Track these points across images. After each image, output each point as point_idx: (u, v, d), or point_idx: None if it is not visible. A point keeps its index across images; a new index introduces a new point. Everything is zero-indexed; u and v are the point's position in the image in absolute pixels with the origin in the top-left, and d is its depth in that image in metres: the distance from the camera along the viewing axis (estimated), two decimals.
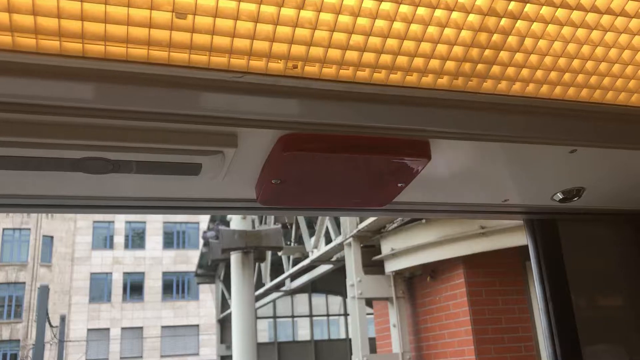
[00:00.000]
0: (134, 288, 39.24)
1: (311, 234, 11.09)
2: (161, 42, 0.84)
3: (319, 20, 0.85)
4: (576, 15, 0.91)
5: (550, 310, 1.47)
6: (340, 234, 9.55)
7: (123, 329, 37.89)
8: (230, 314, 16.80)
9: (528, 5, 0.87)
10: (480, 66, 0.96)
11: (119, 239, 39.83)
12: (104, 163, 0.99)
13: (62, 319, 30.12)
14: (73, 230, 39.24)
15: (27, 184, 1.08)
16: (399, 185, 1.16)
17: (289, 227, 12.27)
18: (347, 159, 1.05)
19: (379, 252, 8.89)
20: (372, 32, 0.88)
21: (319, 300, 19.90)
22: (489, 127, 1.06)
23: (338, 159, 1.05)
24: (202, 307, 39.00)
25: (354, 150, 1.03)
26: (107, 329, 37.64)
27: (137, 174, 1.04)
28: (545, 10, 0.89)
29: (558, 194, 1.36)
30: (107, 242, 39.79)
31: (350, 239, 8.96)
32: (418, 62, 0.94)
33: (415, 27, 0.89)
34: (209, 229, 14.09)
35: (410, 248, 8.32)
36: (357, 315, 8.65)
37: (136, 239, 40.50)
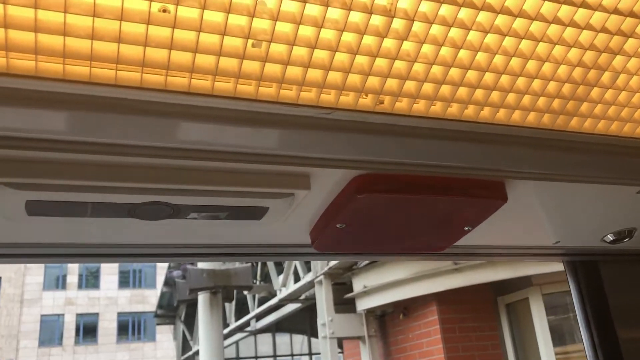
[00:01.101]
0: (87, 330, 37.63)
1: (279, 272, 10.90)
2: (250, 74, 0.75)
3: (419, 53, 0.78)
4: None
5: (598, 353, 1.41)
6: (308, 271, 9.41)
7: None
8: (191, 356, 16.22)
9: (617, 39, 0.83)
10: (571, 103, 0.91)
11: (72, 279, 38.29)
12: (163, 208, 0.88)
13: None
14: (23, 270, 37.59)
15: (79, 232, 0.96)
16: (465, 229, 1.09)
17: (254, 264, 12.02)
18: (421, 201, 0.98)
19: (351, 290, 8.77)
20: (471, 66, 0.82)
21: (283, 339, 19.46)
22: (566, 167, 1.00)
23: (412, 201, 0.97)
24: (159, 349, 37.68)
25: (431, 192, 0.96)
26: None
27: (196, 220, 0.93)
28: (629, 45, 0.85)
29: (609, 235, 1.32)
30: (59, 282, 38.21)
31: (321, 277, 8.82)
32: (510, 98, 0.88)
33: (514, 62, 0.84)
34: (172, 268, 13.68)
35: (382, 285, 8.23)
36: (328, 355, 8.46)
37: (90, 279, 39.02)
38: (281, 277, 10.58)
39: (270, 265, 11.10)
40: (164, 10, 0.68)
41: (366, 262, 8.32)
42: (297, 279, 10.13)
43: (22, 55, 0.67)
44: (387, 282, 8.13)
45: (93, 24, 0.66)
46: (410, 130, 0.88)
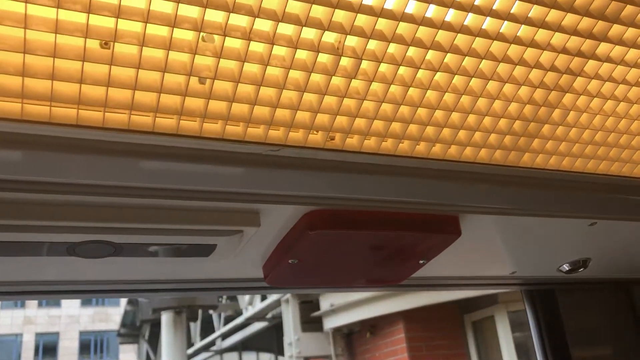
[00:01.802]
0: (47, 350, 36.46)
1: None
2: (193, 111, 0.73)
3: (369, 91, 0.77)
4: (606, 87, 0.88)
5: None
6: None
7: None
8: None
9: (566, 77, 0.84)
10: (522, 139, 0.91)
11: None
12: (104, 247, 0.84)
13: None
14: None
15: (20, 270, 0.91)
16: (420, 262, 1.08)
17: None
18: (374, 236, 0.96)
19: (318, 308, 8.72)
20: (422, 103, 0.81)
21: (249, 358, 19.20)
22: (521, 202, 1.00)
23: (364, 236, 0.96)
24: None
25: (383, 227, 0.95)
26: None
27: (141, 258, 0.90)
28: (578, 83, 0.86)
29: (564, 265, 1.33)
30: (18, 301, 37.09)
31: (288, 295, 8.75)
32: (461, 135, 0.88)
33: (464, 99, 0.83)
34: None
35: (349, 303, 8.21)
36: None
37: None
38: (247, 296, 10.46)
39: None
40: (105, 44, 0.66)
41: None
42: (263, 297, 10.03)
43: None
44: (353, 301, 8.11)
45: (24, 60, 0.63)
46: (361, 166, 0.87)
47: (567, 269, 1.34)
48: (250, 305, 10.27)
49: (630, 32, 0.81)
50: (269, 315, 10.27)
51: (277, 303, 9.31)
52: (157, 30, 0.65)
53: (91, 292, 1.03)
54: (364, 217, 0.93)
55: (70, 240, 0.81)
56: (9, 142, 0.69)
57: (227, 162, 0.79)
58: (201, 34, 0.65)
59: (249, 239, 0.91)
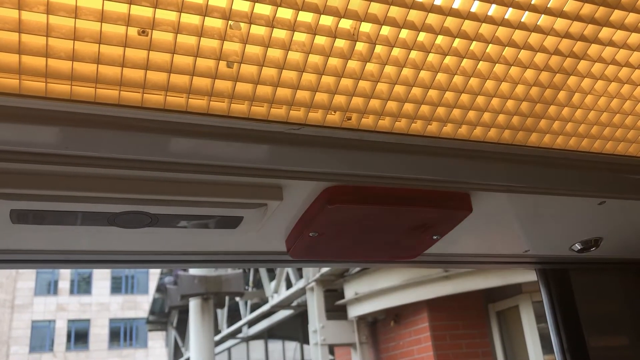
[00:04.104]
0: (79, 336, 37.41)
1: (271, 279, 10.92)
2: (222, 92, 0.80)
3: (382, 73, 0.84)
4: (611, 70, 0.93)
5: (567, 357, 1.47)
6: (301, 278, 9.44)
7: None
8: None
9: (570, 60, 0.89)
10: (529, 120, 0.97)
11: (64, 285, 38.11)
12: (142, 217, 0.93)
13: None
14: (14, 276, 37.39)
15: (62, 239, 1.00)
16: (434, 237, 1.14)
17: (246, 271, 12.04)
18: (389, 211, 1.03)
19: (342, 297, 8.81)
20: (432, 85, 0.87)
21: (275, 346, 19.43)
22: (529, 180, 1.06)
23: (380, 211, 1.02)
24: (151, 355, 37.48)
25: (398, 203, 1.01)
26: None
27: (175, 228, 0.98)
28: (581, 66, 0.91)
29: (576, 244, 1.37)
30: (51, 288, 38.01)
31: (313, 284, 8.86)
32: (471, 115, 0.94)
33: (472, 81, 0.89)
34: (164, 274, 13.67)
35: (373, 292, 8.28)
36: None
37: (82, 284, 38.84)
38: (273, 283, 10.60)
39: (262, 271, 11.12)
40: (142, 31, 0.73)
41: (357, 269, 8.36)
42: (289, 285, 10.16)
43: (7, 75, 0.72)
44: (378, 289, 8.18)
45: (74, 46, 0.71)
46: (376, 145, 0.93)
47: (579, 247, 1.38)
48: (276, 293, 10.41)
49: (632, 17, 0.85)
50: (294, 304, 10.39)
51: (302, 291, 9.42)
52: (189, 19, 0.72)
53: (127, 262, 1.12)
54: (380, 192, 0.99)
55: (110, 210, 0.90)
56: (59, 120, 0.77)
57: (252, 140, 0.86)
58: (229, 21, 0.73)
59: (273, 212, 0.99)
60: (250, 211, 0.96)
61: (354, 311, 8.74)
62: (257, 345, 18.87)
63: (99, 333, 37.70)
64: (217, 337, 13.93)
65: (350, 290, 8.65)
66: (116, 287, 39.21)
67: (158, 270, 19.06)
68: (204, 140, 0.84)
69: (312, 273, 8.90)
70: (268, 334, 17.69)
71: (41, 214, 0.88)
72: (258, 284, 11.85)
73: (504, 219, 1.19)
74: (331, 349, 9.96)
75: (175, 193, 0.89)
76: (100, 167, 0.83)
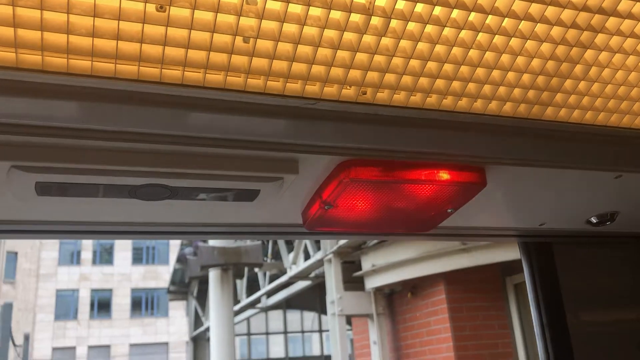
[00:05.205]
0: (102, 305, 38.30)
1: (289, 250, 11.02)
2: (239, 68, 0.81)
3: (398, 48, 0.84)
4: (629, 43, 0.92)
5: (545, 330, 1.48)
6: (318, 250, 9.51)
7: (90, 347, 36.88)
8: (203, 332, 16.51)
9: (587, 34, 0.88)
10: (545, 94, 0.97)
11: (87, 255, 38.89)
12: (161, 190, 0.95)
13: (26, 337, 29.17)
14: (38, 246, 38.22)
15: (85, 211, 1.03)
16: (448, 211, 1.15)
17: (265, 242, 12.17)
18: (403, 185, 1.04)
19: (359, 268, 8.87)
20: (447, 59, 0.87)
21: (293, 316, 19.73)
22: (544, 154, 1.06)
23: (394, 185, 1.04)
24: (172, 325, 38.27)
25: (412, 177, 1.02)
26: (73, 348, 36.58)
27: (193, 201, 1.00)
28: (599, 39, 0.90)
29: (592, 218, 1.37)
30: (74, 258, 38.81)
31: (331, 255, 8.92)
32: (486, 89, 0.94)
33: (488, 55, 0.89)
34: (184, 245, 13.87)
35: (391, 264, 8.32)
36: (337, 332, 8.59)
37: (104, 255, 39.59)
38: (291, 255, 10.70)
39: (281, 243, 11.22)
40: (160, 7, 0.74)
41: (375, 241, 8.40)
42: (307, 257, 10.25)
43: (30, 51, 0.74)
44: (395, 262, 8.22)
45: (94, 23, 0.72)
46: (391, 119, 0.94)
47: (595, 221, 1.38)
48: (294, 264, 10.52)
49: None
50: (312, 275, 10.50)
51: (320, 263, 9.51)
52: None
53: (146, 233, 1.15)
54: (394, 166, 1.00)
55: (131, 183, 0.92)
56: (82, 95, 0.79)
57: (268, 115, 0.88)
58: None
59: (289, 185, 1.01)
60: (267, 184, 0.98)
61: (371, 283, 8.81)
62: (276, 315, 19.18)
63: (121, 302, 38.54)
64: (237, 307, 14.16)
65: (368, 263, 8.70)
66: (137, 257, 39.89)
67: (178, 242, 19.32)
68: (221, 114, 0.86)
69: (329, 245, 8.96)
70: (286, 305, 17.94)
71: (64, 187, 0.91)
72: (276, 256, 11.97)
73: (519, 193, 1.20)
74: (348, 319, 10.08)
75: (194, 166, 0.91)
76: (121, 140, 0.85)
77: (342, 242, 8.68)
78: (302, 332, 20.05)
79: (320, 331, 18.88)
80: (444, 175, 1.04)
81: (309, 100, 0.88)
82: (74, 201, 0.97)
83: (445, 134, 0.98)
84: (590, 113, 1.03)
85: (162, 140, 0.86)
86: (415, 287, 8.49)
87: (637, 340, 1.49)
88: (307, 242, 10.14)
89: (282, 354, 18.86)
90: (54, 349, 36.14)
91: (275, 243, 11.81)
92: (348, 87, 0.89)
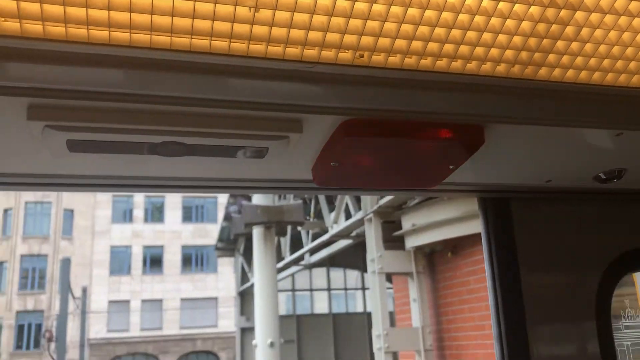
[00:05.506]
0: (154, 261, 39.87)
1: (331, 210, 11.18)
2: (242, 35, 0.89)
3: (389, 13, 0.90)
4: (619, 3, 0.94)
5: (497, 288, 1.50)
6: (360, 209, 9.63)
7: (143, 301, 38.64)
8: (250, 287, 17.06)
9: None
10: (537, 55, 1.01)
11: (139, 213, 40.36)
12: (179, 147, 1.05)
13: (84, 290, 30.79)
14: (93, 204, 39.82)
15: (111, 166, 1.15)
16: (450, 167, 1.21)
17: (308, 202, 12.38)
18: (403, 143, 1.11)
19: (400, 228, 8.95)
20: (438, 23, 0.93)
21: (337, 274, 20.12)
22: (541, 112, 1.10)
23: (394, 143, 1.10)
24: (221, 280, 39.56)
25: (411, 135, 1.09)
26: (128, 301, 38.41)
27: (208, 157, 1.10)
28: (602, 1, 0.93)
29: (600, 174, 1.41)
30: (126, 216, 40.35)
31: (371, 215, 9.03)
32: (478, 51, 0.99)
33: (478, 19, 0.94)
34: (229, 203, 14.26)
35: (431, 224, 8.36)
36: (377, 289, 8.76)
37: (155, 213, 40.98)
38: (333, 214, 10.87)
39: (323, 202, 11.39)
40: None
41: (415, 201, 8.44)
42: (348, 216, 10.39)
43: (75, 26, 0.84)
44: (436, 221, 8.25)
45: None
46: (387, 81, 1.01)
47: (603, 178, 1.42)
48: (335, 223, 10.69)
49: None
50: (353, 234, 10.66)
51: (361, 222, 9.64)
52: None
53: (167, 187, 1.27)
54: (394, 125, 1.07)
55: (152, 141, 1.02)
56: (104, 63, 0.89)
57: (270, 78, 0.96)
58: None
59: (295, 144, 1.09)
60: (274, 142, 1.06)
61: (412, 242, 8.89)
62: (320, 273, 19.59)
63: (172, 259, 39.99)
64: (281, 264, 14.56)
65: (408, 222, 8.77)
66: (187, 216, 41.13)
67: (225, 200, 19.81)
68: (228, 78, 0.94)
69: (370, 205, 9.05)
70: (330, 262, 18.28)
71: (92, 144, 1.02)
72: (319, 215, 12.17)
73: (520, 150, 1.25)
74: (389, 277, 10.24)
75: (207, 126, 1.01)
76: (142, 102, 0.95)
77: (382, 201, 8.76)
78: (345, 289, 20.46)
79: (363, 289, 19.22)
80: (442, 134, 1.10)
81: (307, 64, 0.95)
82: (101, 157, 1.08)
83: (439, 94, 1.04)
84: (585, 73, 1.06)
85: (179, 102, 0.96)
86: (456, 246, 8.53)
87: (588, 303, 1.50)
88: (349, 202, 10.27)
89: (325, 310, 19.33)
90: (110, 302, 38.02)
91: (317, 202, 12.00)
92: (345, 51, 0.96)
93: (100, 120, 0.97)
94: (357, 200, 9.91)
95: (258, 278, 9.85)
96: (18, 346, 35.45)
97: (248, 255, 17.20)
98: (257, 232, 9.88)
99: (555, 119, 1.10)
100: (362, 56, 0.97)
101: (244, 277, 18.58)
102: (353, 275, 20.16)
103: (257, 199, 10.02)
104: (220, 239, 19.46)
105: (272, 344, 9.27)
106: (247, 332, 17.66)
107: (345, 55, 0.96)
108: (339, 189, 1.32)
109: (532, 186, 1.46)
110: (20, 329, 35.69)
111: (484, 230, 1.53)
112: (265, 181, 1.27)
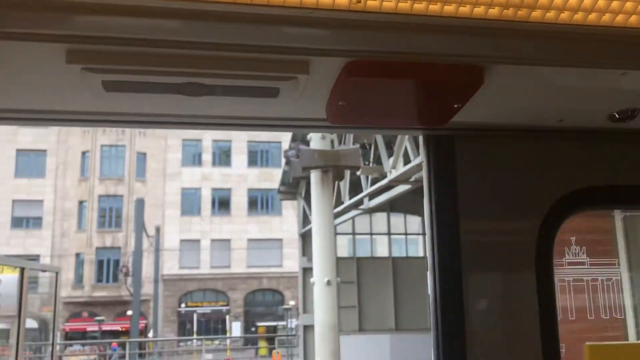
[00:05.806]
0: (222, 203, 41.39)
1: (389, 155, 11.22)
2: None
3: None
4: None
5: (434, 235, 1.47)
6: (418, 154, 9.63)
7: (212, 240, 40.41)
8: (310, 230, 17.53)
9: None
10: None
11: (207, 157, 41.71)
12: (200, 87, 1.18)
13: (157, 229, 32.51)
14: (164, 148, 41.39)
15: (141, 104, 1.30)
16: (455, 106, 1.28)
17: (367, 147, 12.44)
18: (405, 83, 1.19)
19: None
20: None
21: (397, 219, 20.27)
22: (538, 53, 1.15)
23: (396, 83, 1.19)
24: (285, 223, 40.64)
25: (411, 75, 1.17)
26: (198, 240, 40.28)
27: (226, 96, 1.23)
28: None
29: (614, 114, 1.43)
30: (195, 160, 41.79)
31: None
32: None
33: None
34: (290, 148, 14.53)
35: None
36: None
37: (223, 157, 42.23)
38: (391, 159, 10.92)
39: (381, 147, 11.43)
40: None
41: None
42: (407, 161, 10.42)
43: None
44: None
45: None
46: (383, 24, 1.08)
47: (617, 117, 1.44)
48: (394, 168, 10.76)
49: None
50: (412, 179, 10.71)
51: (419, 167, 9.65)
52: None
53: (193, 124, 1.42)
54: (395, 66, 1.15)
55: (176, 81, 1.16)
56: (149, 12, 1.02)
57: (274, 23, 1.06)
58: None
59: (305, 84, 1.20)
60: (284, 83, 1.17)
61: None
62: (380, 217, 19.79)
63: (239, 201, 41.36)
64: (340, 208, 14.82)
65: None
66: (252, 160, 42.17)
67: (287, 146, 20.15)
68: (237, 24, 1.05)
69: None
70: (390, 208, 18.41)
71: (125, 84, 1.16)
72: (378, 160, 12.25)
73: (524, 90, 1.30)
74: None
75: (223, 68, 1.13)
76: (167, 47, 1.08)
77: None
78: (406, 234, 20.61)
79: (424, 234, 19.30)
80: (441, 74, 1.17)
81: (306, 10, 1.04)
82: (133, 96, 1.23)
83: (435, 36, 1.11)
84: (580, 14, 1.09)
85: (198, 46, 1.08)
86: None
87: (525, 251, 1.44)
88: (408, 146, 10.26)
89: (385, 254, 19.62)
90: (181, 241, 40.01)
91: (376, 148, 12.05)
92: None
93: (131, 63, 1.11)
94: (416, 146, 9.89)
95: (316, 220, 10.12)
96: (98, 280, 38.13)
97: (309, 198, 17.59)
98: (314, 176, 10.10)
99: (551, 59, 1.15)
100: (359, 1, 1.05)
101: (305, 219, 19.04)
102: (414, 220, 20.25)
103: (315, 143, 10.18)
104: (282, 183, 19.93)
105: (328, 282, 9.62)
106: (308, 272, 18.24)
107: (342, 1, 1.04)
108: (351, 127, 1.42)
109: (476, 123, 1.42)
110: (99, 264, 38.27)
111: (425, 170, 1.48)
112: (281, 119, 1.39)
